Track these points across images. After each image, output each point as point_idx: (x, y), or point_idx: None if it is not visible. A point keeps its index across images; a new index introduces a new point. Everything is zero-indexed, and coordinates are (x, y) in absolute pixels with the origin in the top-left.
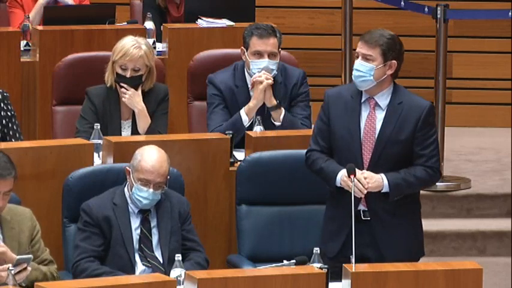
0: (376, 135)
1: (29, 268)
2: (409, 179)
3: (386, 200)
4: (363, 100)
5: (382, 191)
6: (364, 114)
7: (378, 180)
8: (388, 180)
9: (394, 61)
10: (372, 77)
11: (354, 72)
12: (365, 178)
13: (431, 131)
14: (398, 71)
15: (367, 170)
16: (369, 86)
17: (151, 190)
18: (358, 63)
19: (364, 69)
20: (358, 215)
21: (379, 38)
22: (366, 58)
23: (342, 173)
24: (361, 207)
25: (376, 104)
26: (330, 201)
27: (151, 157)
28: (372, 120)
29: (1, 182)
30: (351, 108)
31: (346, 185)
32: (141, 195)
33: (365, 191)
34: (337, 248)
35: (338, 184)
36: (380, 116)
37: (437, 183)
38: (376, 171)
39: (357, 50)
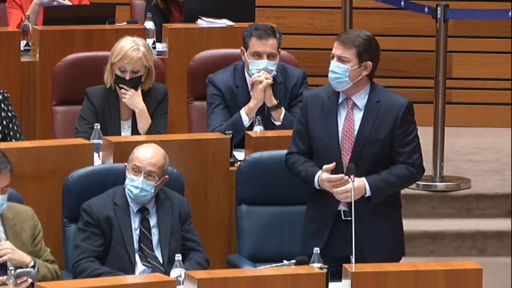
0: (355, 135)
1: (29, 280)
2: (390, 179)
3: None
4: (340, 101)
5: (366, 196)
6: (342, 115)
7: (358, 189)
8: (369, 184)
9: (369, 62)
10: (347, 78)
11: (330, 74)
12: (345, 192)
13: (411, 128)
14: (375, 71)
15: (346, 169)
16: (345, 87)
17: (141, 178)
18: (333, 65)
19: (340, 71)
20: (338, 215)
21: (355, 38)
22: (340, 59)
23: (318, 175)
24: (342, 207)
25: (354, 104)
26: (310, 202)
27: (145, 148)
28: (350, 120)
29: None
30: (328, 109)
31: (328, 186)
32: (132, 184)
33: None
34: (320, 248)
35: (317, 187)
36: (358, 116)
37: (437, 183)
38: (356, 172)
39: (332, 52)
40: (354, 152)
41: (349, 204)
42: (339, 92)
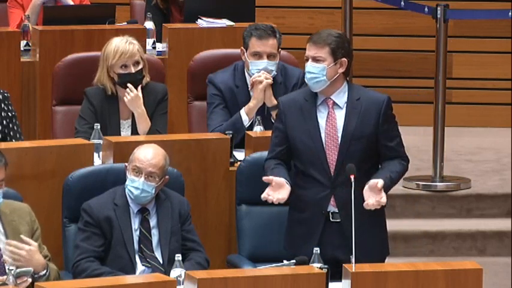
0: (340, 134)
1: (29, 280)
2: (394, 177)
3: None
4: (320, 101)
5: None
6: (324, 115)
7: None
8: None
9: (344, 59)
10: (325, 77)
11: (306, 75)
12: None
13: (394, 123)
14: (350, 69)
15: (334, 169)
16: (322, 86)
17: (142, 179)
18: (309, 66)
19: (316, 70)
20: (327, 217)
21: (326, 37)
22: (315, 60)
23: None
24: (331, 208)
25: (334, 103)
26: (295, 204)
27: (146, 148)
28: (333, 119)
29: None
30: (307, 111)
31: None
32: (133, 185)
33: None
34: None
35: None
36: (340, 114)
37: (437, 183)
38: (344, 170)
39: (306, 54)
40: (341, 150)
41: (338, 205)
42: (316, 94)
